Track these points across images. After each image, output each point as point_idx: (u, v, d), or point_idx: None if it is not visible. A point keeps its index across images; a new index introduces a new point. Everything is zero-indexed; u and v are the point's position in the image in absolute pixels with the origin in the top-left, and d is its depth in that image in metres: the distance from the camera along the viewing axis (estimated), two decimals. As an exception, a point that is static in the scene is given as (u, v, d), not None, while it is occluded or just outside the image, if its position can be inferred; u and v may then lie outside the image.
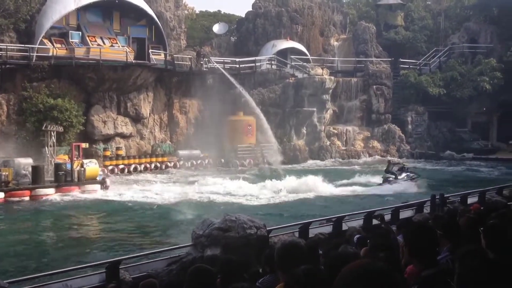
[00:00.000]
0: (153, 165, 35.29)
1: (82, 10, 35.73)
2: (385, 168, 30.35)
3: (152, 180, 31.36)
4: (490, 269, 2.20)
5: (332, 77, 43.58)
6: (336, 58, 47.82)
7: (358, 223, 12.28)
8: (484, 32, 47.77)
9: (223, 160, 38.41)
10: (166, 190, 27.21)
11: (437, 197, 14.12)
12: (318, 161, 41.17)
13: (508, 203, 10.14)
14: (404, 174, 28.91)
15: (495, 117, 46.00)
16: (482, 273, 2.19)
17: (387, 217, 12.35)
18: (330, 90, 43.13)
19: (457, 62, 45.94)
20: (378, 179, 29.93)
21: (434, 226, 4.45)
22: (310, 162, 40.78)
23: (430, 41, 50.60)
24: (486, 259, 2.34)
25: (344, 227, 11.53)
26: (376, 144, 43.35)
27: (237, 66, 41.74)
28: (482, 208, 10.11)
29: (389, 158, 37.52)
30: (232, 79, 39.93)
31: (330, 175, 30.76)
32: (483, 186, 17.54)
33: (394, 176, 28.68)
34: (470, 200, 15.22)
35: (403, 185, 27.31)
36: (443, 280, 2.74)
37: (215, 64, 40.95)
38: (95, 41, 35.48)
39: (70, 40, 34.75)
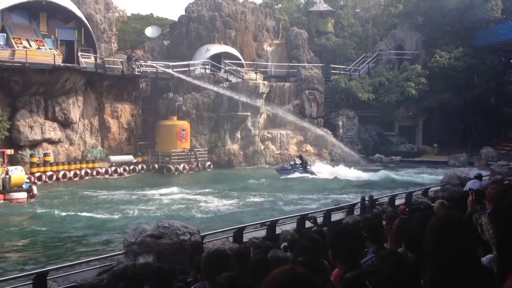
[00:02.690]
0: (83, 172, 34.27)
1: (7, 11, 34.19)
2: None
3: (80, 187, 30.45)
4: (404, 271, 2.29)
5: (266, 82, 43.97)
6: (270, 63, 48.31)
7: (291, 226, 12.46)
8: (410, 39, 49.71)
9: (157, 166, 37.89)
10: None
11: (367, 199, 14.59)
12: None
13: (432, 204, 10.59)
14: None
15: (421, 121, 47.98)
16: (395, 274, 2.28)
17: (320, 220, 12.62)
18: (264, 95, 43.52)
19: (384, 68, 47.54)
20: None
21: (362, 228, 4.60)
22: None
23: (359, 48, 52.15)
24: (401, 262, 2.43)
25: (278, 230, 11.65)
26: (309, 148, 44.07)
27: (170, 70, 41.33)
28: (407, 209, 10.52)
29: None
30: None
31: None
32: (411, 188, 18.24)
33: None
34: (398, 202, 15.80)
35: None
36: (364, 282, 2.83)
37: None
38: (21, 43, 34.04)
39: (-7, 42, 33.26)
